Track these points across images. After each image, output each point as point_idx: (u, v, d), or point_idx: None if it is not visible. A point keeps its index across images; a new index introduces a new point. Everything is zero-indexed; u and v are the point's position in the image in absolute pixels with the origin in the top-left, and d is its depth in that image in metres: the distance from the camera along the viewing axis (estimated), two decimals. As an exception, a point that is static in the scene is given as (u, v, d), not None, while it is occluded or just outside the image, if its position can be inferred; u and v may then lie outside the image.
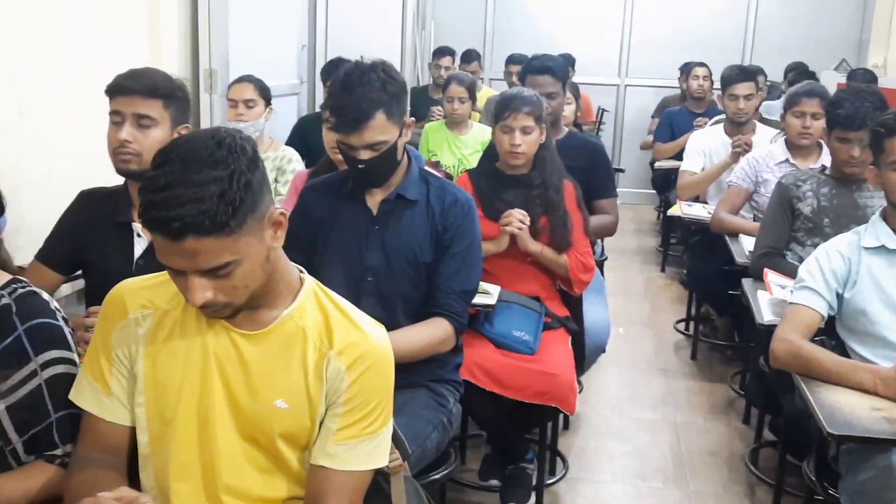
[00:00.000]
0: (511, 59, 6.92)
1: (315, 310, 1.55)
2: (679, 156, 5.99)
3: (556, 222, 2.99)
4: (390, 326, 2.29)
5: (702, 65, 6.47)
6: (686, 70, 6.85)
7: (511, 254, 2.99)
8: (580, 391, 3.79)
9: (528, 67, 3.79)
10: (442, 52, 6.72)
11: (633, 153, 8.49)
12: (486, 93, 6.81)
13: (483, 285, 2.83)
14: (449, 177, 4.60)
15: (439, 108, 5.34)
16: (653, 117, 7.51)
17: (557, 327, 2.98)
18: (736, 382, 4.17)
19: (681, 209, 4.41)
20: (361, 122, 2.17)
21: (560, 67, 3.74)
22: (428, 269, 2.33)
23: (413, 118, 2.34)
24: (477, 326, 2.83)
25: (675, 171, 5.78)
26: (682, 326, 4.98)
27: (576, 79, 7.76)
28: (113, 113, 2.22)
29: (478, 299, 2.70)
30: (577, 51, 7.85)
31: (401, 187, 2.34)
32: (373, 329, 1.58)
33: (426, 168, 4.50)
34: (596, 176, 3.66)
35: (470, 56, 7.05)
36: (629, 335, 4.91)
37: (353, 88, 2.17)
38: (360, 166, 2.23)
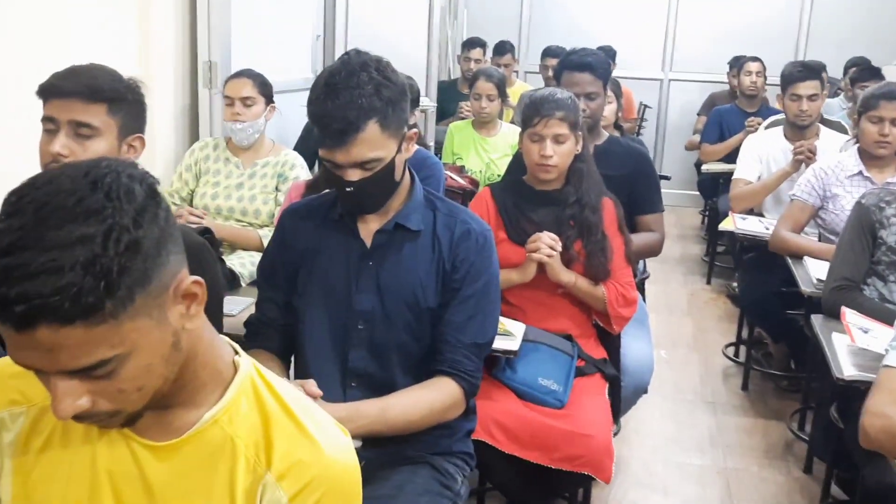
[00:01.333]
0: (547, 52, 6.45)
1: (251, 410, 1.11)
2: (728, 158, 5.52)
3: (593, 248, 2.54)
4: (385, 386, 1.86)
5: (755, 59, 5.94)
6: (737, 64, 6.32)
7: (539, 284, 2.54)
8: (616, 432, 3.34)
9: (564, 63, 3.31)
10: (472, 43, 6.26)
11: (676, 153, 7.97)
12: (519, 87, 6.36)
13: (504, 323, 2.39)
14: (475, 183, 4.17)
15: (468, 103, 4.89)
16: (699, 115, 7.00)
17: (592, 373, 2.52)
18: (795, 421, 3.67)
19: (734, 223, 3.91)
20: (348, 134, 1.73)
21: (601, 64, 3.26)
22: (432, 315, 1.88)
23: (416, 130, 1.89)
24: (496, 373, 2.39)
25: (724, 175, 5.30)
26: (731, 351, 4.47)
27: (616, 73, 7.26)
28: (46, 119, 1.82)
29: (498, 343, 2.25)
30: (617, 42, 7.35)
31: (400, 214, 1.90)
32: (331, 440, 1.13)
33: (448, 174, 4.09)
34: (640, 188, 3.19)
35: (503, 48, 6.56)
36: (672, 360, 4.43)
37: (339, 92, 1.73)
38: (347, 189, 1.79)
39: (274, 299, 1.95)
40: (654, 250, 3.27)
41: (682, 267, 6.22)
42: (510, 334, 2.34)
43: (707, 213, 6.90)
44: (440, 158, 4.74)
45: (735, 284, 5.07)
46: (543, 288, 2.56)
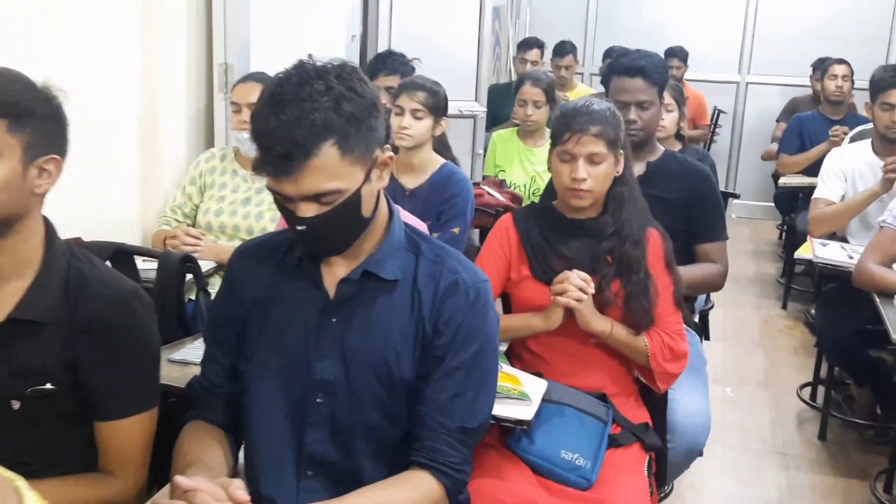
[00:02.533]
0: (608, 53, 5.99)
1: None
2: (808, 170, 4.99)
3: (634, 289, 2.10)
4: (348, 477, 1.45)
5: (841, 62, 5.38)
6: (821, 67, 5.77)
7: (567, 332, 2.12)
8: (668, 493, 2.90)
9: (613, 67, 2.85)
10: (528, 44, 5.82)
11: (753, 162, 7.40)
12: (582, 90, 5.92)
13: (521, 380, 1.98)
14: (517, 199, 3.75)
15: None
16: (778, 121, 6.44)
17: (630, 443, 2.08)
18: (881, 482, 3.16)
19: (812, 250, 3.41)
20: (295, 160, 1.34)
21: (657, 68, 2.79)
22: (409, 389, 1.49)
23: (391, 154, 1.48)
24: (511, 443, 1.97)
25: (804, 189, 4.78)
26: (807, 393, 3.95)
27: (690, 75, 6.79)
28: (-65, 140, 1.47)
29: (509, 410, 1.86)
30: (691, 42, 6.87)
31: (371, 260, 1.50)
32: None
33: (486, 189, 3.67)
34: (700, 213, 2.74)
35: (563, 48, 6.08)
36: (739, 400, 3.94)
37: (285, 106, 1.34)
38: (298, 228, 1.41)
39: (219, 361, 1.58)
40: (714, 284, 2.80)
41: (756, 288, 5.68)
42: (525, 398, 1.91)
43: (785, 228, 6.34)
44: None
45: (814, 312, 4.55)
46: (573, 337, 2.13)
